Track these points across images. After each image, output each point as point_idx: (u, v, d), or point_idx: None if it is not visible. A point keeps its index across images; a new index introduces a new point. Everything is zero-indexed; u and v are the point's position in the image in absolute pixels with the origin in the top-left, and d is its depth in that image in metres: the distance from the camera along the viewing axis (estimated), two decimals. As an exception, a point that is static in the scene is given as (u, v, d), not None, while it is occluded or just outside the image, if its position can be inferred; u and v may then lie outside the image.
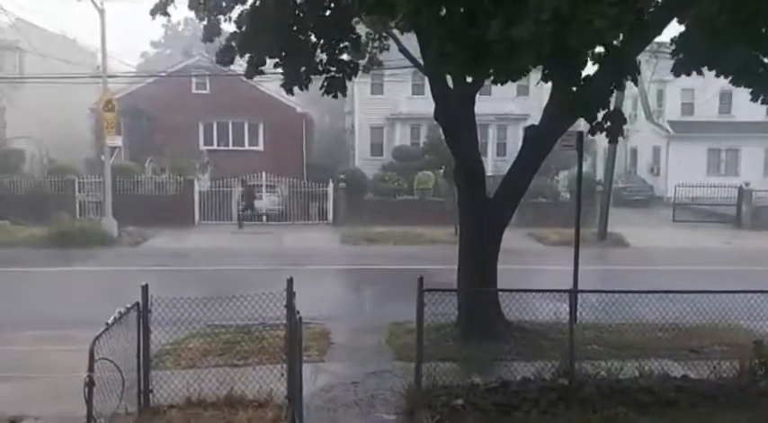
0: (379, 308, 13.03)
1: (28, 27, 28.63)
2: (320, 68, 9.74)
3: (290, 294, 6.57)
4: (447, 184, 22.63)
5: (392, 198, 25.48)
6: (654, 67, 23.03)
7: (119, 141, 23.04)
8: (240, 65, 10.49)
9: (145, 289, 6.60)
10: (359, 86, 29.29)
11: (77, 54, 29.41)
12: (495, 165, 26.53)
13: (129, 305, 6.32)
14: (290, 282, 6.56)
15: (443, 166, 23.42)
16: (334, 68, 10.02)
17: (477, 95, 9.93)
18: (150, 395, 6.98)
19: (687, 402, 7.24)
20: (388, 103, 31.54)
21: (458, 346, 9.18)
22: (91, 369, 5.21)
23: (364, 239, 21.35)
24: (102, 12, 21.49)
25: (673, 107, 33.87)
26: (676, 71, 8.25)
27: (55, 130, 27.56)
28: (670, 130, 33.46)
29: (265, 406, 7.11)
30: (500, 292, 9.66)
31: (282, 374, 7.00)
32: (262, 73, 9.52)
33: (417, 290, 7.28)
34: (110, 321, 5.72)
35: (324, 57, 9.75)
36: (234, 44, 9.21)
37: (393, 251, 19.70)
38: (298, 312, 6.52)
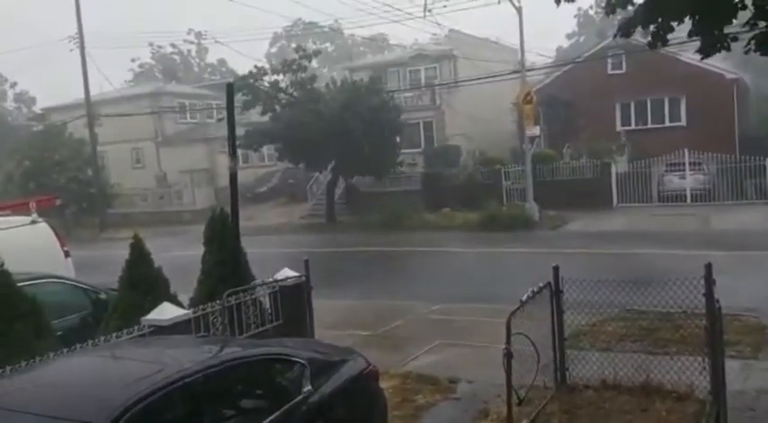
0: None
1: (459, 36, 32.39)
2: (743, 25, 8.50)
3: (709, 282, 6.06)
4: None
5: None
6: None
7: (537, 131, 24.36)
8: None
9: (556, 270, 6.91)
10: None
11: (500, 54, 31.94)
12: None
13: (541, 285, 6.72)
14: (709, 267, 6.05)
15: None
16: (764, 23, 8.63)
17: None
18: (566, 373, 7.28)
19: None
20: None
21: None
22: (508, 342, 5.72)
23: (819, 221, 17.94)
24: (519, 9, 22.94)
25: None
26: None
27: (484, 126, 30.50)
28: None
29: (685, 399, 6.70)
30: None
31: (704, 368, 6.50)
32: (666, 42, 8.80)
33: None
34: (523, 299, 6.19)
35: (745, 12, 8.47)
36: (638, 13, 8.70)
37: None
38: (717, 302, 5.98)
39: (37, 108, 51.22)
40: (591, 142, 26.17)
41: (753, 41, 8.74)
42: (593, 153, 25.64)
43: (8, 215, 10.43)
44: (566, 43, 59.50)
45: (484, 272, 15.40)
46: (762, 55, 8.83)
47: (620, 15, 9.83)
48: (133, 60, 61.53)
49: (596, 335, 8.94)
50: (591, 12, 55.02)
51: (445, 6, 45.75)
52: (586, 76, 28.56)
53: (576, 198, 23.06)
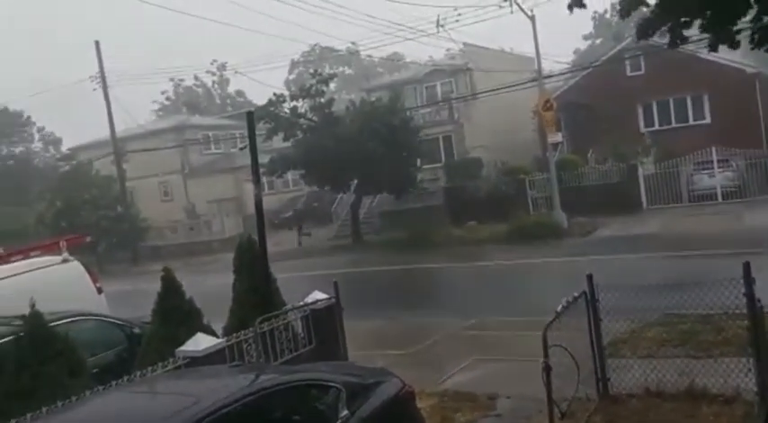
0: None
1: (473, 49, 32.40)
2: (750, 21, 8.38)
3: (749, 280, 5.89)
4: None
5: None
6: None
7: (559, 137, 24.12)
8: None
9: (589, 278, 6.77)
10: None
11: (516, 63, 31.87)
12: None
13: (576, 294, 6.59)
14: (747, 266, 5.89)
15: None
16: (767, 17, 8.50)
17: None
18: (608, 383, 7.09)
19: None
20: None
21: None
22: (545, 355, 5.60)
23: None
24: (532, 18, 22.90)
25: None
26: None
27: (504, 136, 30.32)
28: None
29: (732, 402, 6.50)
30: None
31: (750, 369, 6.31)
32: (685, 41, 8.71)
33: None
34: (558, 310, 6.07)
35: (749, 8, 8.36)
36: (653, 14, 8.64)
37: None
38: (759, 301, 5.80)
39: (63, 147, 52.42)
40: (615, 145, 25.84)
41: (756, 36, 8.60)
42: (619, 156, 25.30)
43: (40, 255, 10.59)
44: (583, 45, 59.36)
45: (516, 284, 15.20)
46: (767, 51, 8.69)
47: (635, 17, 9.79)
48: (163, 93, 63.35)
49: (636, 342, 8.73)
50: (607, 15, 54.91)
51: (457, 20, 45.82)
52: (606, 80, 28.32)
53: (604, 203, 22.70)
